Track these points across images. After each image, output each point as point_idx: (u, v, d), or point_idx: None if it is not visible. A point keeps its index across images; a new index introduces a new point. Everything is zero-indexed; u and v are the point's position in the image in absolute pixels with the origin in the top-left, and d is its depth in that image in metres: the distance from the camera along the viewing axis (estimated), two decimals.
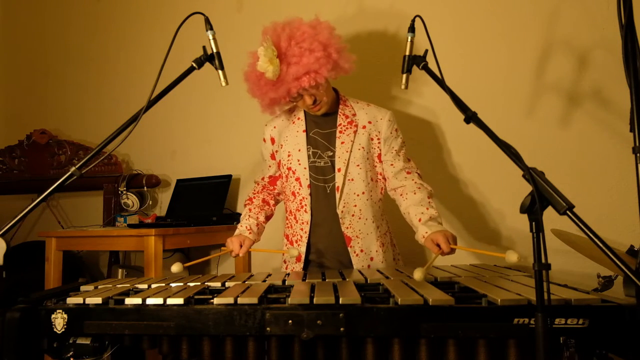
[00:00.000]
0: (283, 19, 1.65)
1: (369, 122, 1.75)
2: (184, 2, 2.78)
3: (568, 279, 1.31)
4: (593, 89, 2.00)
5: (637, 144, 0.99)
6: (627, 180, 1.93)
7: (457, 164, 2.24)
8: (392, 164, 1.74)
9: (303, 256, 1.75)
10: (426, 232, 1.51)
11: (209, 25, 1.41)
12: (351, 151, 1.72)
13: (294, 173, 1.76)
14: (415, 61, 1.35)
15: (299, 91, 1.60)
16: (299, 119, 1.80)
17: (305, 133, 1.77)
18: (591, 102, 2.01)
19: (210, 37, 1.42)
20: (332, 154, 1.74)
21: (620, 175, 1.94)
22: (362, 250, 1.72)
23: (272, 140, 1.84)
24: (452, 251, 1.42)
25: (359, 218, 1.72)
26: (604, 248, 0.93)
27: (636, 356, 0.97)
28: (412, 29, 1.36)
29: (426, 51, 1.34)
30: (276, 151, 1.84)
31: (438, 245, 1.42)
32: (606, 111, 1.98)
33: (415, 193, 1.67)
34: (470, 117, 1.21)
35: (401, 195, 1.71)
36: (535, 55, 2.09)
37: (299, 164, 1.75)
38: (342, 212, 1.71)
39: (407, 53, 1.36)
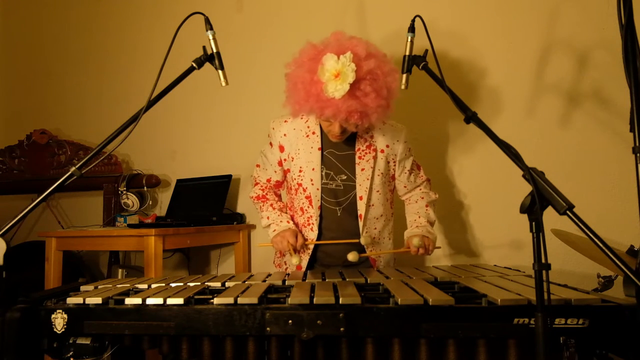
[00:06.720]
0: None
1: (387, 146, 1.71)
2: (184, 2, 2.78)
3: (568, 279, 1.30)
4: (593, 89, 2.00)
5: (637, 144, 0.99)
6: (627, 180, 1.93)
7: (456, 164, 2.24)
8: (403, 182, 1.81)
9: (304, 268, 1.75)
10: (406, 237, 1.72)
11: (209, 25, 1.41)
12: (372, 178, 1.69)
13: (304, 190, 1.71)
14: (415, 61, 1.34)
15: (341, 121, 1.49)
16: (314, 133, 1.70)
17: (320, 151, 1.69)
18: (591, 102, 2.01)
19: (210, 37, 1.41)
20: (345, 177, 1.69)
21: (620, 175, 1.94)
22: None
23: (281, 149, 1.75)
24: (425, 252, 1.66)
25: (379, 239, 1.77)
26: (604, 248, 0.93)
27: (636, 356, 0.97)
28: (412, 29, 1.36)
29: (426, 51, 1.34)
30: (284, 160, 1.76)
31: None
32: (606, 111, 1.98)
33: (417, 202, 1.82)
34: (470, 117, 1.21)
35: (408, 203, 1.86)
36: (535, 55, 2.09)
37: (312, 184, 1.69)
38: (364, 239, 1.69)
39: (407, 53, 1.35)
